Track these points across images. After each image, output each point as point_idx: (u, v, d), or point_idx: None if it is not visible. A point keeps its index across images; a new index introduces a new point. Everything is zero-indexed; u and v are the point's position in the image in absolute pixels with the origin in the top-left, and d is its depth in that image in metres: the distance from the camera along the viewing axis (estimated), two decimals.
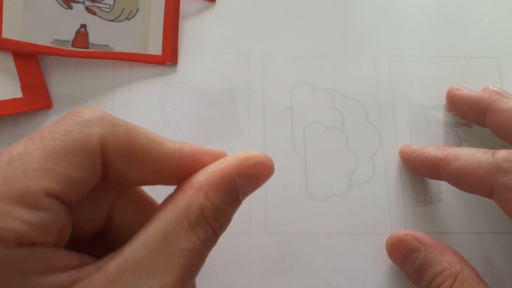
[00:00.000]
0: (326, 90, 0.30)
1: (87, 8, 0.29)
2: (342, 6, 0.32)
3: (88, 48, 0.29)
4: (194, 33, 0.31)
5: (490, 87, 0.29)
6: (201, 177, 0.17)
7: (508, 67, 0.31)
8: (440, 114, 0.29)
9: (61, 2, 0.29)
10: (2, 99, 0.27)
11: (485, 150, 0.23)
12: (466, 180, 0.23)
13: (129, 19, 0.29)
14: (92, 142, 0.15)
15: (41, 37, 0.28)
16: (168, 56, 0.30)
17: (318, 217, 0.27)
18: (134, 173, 0.17)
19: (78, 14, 0.29)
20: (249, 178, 0.18)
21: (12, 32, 0.28)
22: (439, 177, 0.25)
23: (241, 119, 0.29)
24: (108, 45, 0.29)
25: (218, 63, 0.30)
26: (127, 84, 0.29)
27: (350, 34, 0.31)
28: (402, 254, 0.24)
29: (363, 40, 0.31)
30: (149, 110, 0.29)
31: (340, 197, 0.27)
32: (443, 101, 0.30)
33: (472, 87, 0.29)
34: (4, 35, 0.27)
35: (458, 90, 0.29)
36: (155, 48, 0.30)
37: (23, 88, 0.28)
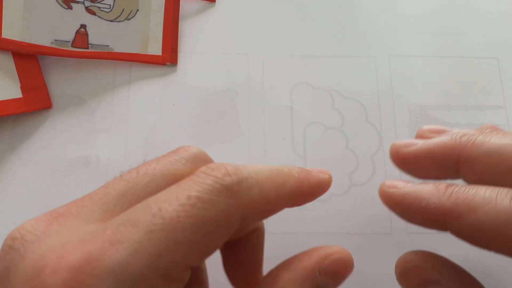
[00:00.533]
0: (326, 90, 0.30)
1: (87, 8, 0.29)
2: (342, 6, 0.32)
3: (88, 48, 0.29)
4: (194, 33, 0.31)
5: (425, 127, 0.22)
6: (284, 274, 0.17)
7: (508, 67, 0.31)
8: (440, 114, 0.29)
9: (61, 2, 0.29)
10: (2, 99, 0.27)
11: (505, 190, 0.16)
12: (490, 237, 0.17)
13: (129, 19, 0.29)
14: (235, 213, 0.15)
15: (41, 37, 0.28)
16: (168, 56, 0.30)
17: (318, 217, 0.27)
18: (260, 220, 0.17)
19: (78, 14, 0.29)
20: (330, 275, 0.17)
21: (12, 32, 0.28)
22: (445, 230, 0.18)
23: (241, 119, 0.29)
24: (108, 45, 0.29)
25: (218, 63, 0.30)
26: (127, 84, 0.29)
27: (350, 34, 0.31)
28: (417, 283, 0.19)
29: (363, 40, 0.31)
30: (149, 110, 0.29)
31: (340, 197, 0.27)
32: (443, 101, 0.30)
33: (472, 87, 0.29)
34: (4, 35, 0.27)
35: (406, 147, 0.21)
36: (155, 48, 0.30)
37: (23, 88, 0.28)
